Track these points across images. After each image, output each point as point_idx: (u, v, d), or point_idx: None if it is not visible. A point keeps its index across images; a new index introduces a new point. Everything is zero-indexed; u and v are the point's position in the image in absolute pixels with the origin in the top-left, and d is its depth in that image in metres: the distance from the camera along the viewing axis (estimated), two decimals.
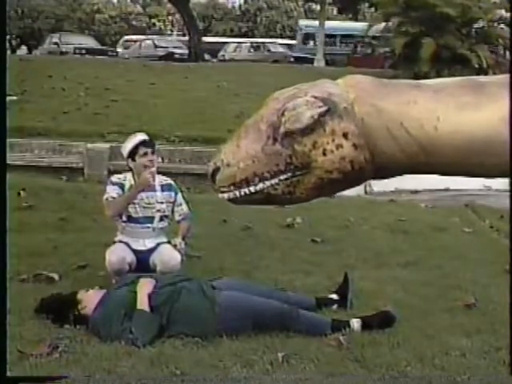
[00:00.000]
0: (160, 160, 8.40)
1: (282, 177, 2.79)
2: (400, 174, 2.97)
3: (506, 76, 2.84)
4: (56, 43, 27.02)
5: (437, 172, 2.93)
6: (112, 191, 4.18)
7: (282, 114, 2.76)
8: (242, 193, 2.82)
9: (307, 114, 2.69)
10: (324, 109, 2.70)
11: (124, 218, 4.22)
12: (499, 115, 2.64)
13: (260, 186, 2.81)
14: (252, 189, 2.81)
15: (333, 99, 2.74)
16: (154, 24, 39.81)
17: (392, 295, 4.11)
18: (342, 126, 2.71)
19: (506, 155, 2.63)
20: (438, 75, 14.14)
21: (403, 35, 18.48)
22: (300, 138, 2.73)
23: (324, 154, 2.71)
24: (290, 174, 2.79)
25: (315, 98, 2.75)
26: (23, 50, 35.51)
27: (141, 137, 4.23)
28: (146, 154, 4.16)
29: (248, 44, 30.39)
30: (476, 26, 20.07)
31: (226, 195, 2.87)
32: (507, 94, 2.66)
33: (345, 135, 2.70)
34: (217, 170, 2.86)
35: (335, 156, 2.71)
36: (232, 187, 2.83)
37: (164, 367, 3.02)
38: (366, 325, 3.49)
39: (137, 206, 4.19)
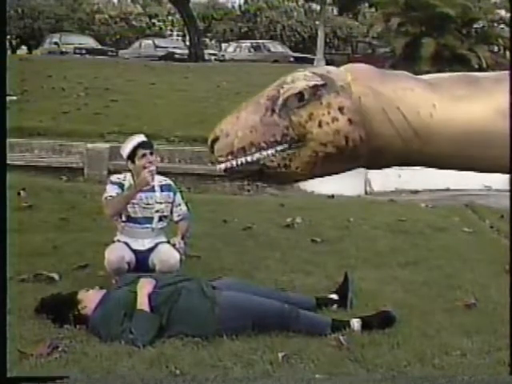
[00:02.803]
0: (159, 160, 8.40)
1: (278, 148, 2.85)
2: (395, 163, 3.00)
3: (503, 72, 2.86)
4: (56, 43, 27.03)
5: (432, 163, 2.96)
6: (111, 191, 4.18)
7: (282, 87, 2.83)
8: (239, 162, 2.86)
9: (303, 83, 2.78)
10: (321, 82, 2.78)
11: (123, 218, 4.22)
12: (494, 107, 2.69)
13: (256, 155, 2.84)
14: (249, 158, 2.85)
15: (330, 76, 2.84)
16: (153, 24, 39.76)
17: (392, 295, 4.11)
18: (338, 100, 2.78)
19: (504, 147, 2.65)
20: None
21: (403, 35, 18.52)
22: (297, 110, 2.80)
23: (320, 125, 2.78)
24: (286, 146, 2.85)
25: (313, 73, 2.83)
26: (23, 49, 35.48)
27: (139, 138, 4.23)
28: (144, 155, 4.16)
29: (248, 44, 30.39)
30: (476, 26, 20.11)
31: (223, 165, 2.90)
32: (502, 89, 2.69)
33: (340, 109, 2.77)
34: (216, 139, 2.90)
35: (330, 128, 2.78)
36: (229, 156, 2.87)
37: (164, 367, 3.02)
38: (366, 325, 3.49)
39: (136, 206, 4.19)
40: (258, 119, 2.82)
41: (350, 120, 2.77)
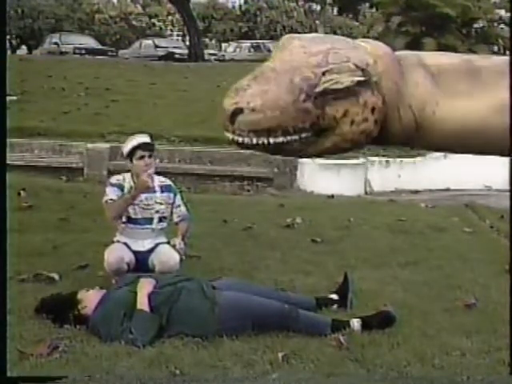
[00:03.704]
0: (159, 160, 8.40)
1: (303, 134, 2.65)
2: (392, 145, 3.04)
3: (505, 62, 2.84)
4: (56, 43, 27.04)
5: (427, 148, 2.99)
6: (112, 193, 4.18)
7: (323, 74, 2.63)
8: (260, 142, 2.63)
9: (349, 79, 2.65)
10: (363, 78, 2.68)
11: (123, 219, 4.22)
12: (490, 104, 2.67)
13: (280, 139, 2.64)
14: (272, 140, 2.64)
15: (368, 70, 2.71)
16: (153, 24, 39.80)
17: (392, 295, 4.11)
18: (372, 100, 2.68)
19: (504, 140, 2.66)
20: None
21: (404, 35, 18.54)
22: (333, 102, 2.62)
23: (351, 124, 2.67)
24: (310, 134, 2.75)
25: (356, 66, 2.72)
26: (23, 49, 35.52)
27: (140, 139, 4.23)
28: (142, 157, 4.17)
29: (248, 44, 30.42)
30: (476, 25, 20.14)
31: (240, 138, 2.65)
32: (503, 83, 2.68)
33: (373, 110, 2.67)
34: (239, 111, 2.63)
35: (358, 129, 2.67)
36: (251, 133, 2.63)
37: (164, 367, 3.02)
38: (366, 325, 3.49)
39: (136, 207, 4.19)
40: (291, 101, 2.59)
41: (376, 121, 2.69)
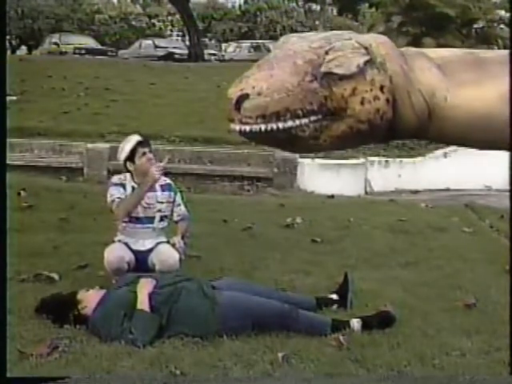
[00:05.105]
0: (159, 160, 8.39)
1: (312, 117, 2.63)
2: (406, 139, 3.02)
3: (507, 54, 2.85)
4: (56, 43, 27.03)
5: (439, 139, 2.97)
6: (117, 193, 4.16)
7: (326, 53, 2.64)
8: (269, 127, 2.59)
9: (354, 62, 2.60)
10: (368, 57, 2.65)
11: (125, 219, 4.22)
12: (498, 92, 2.67)
13: (289, 123, 2.61)
14: (281, 125, 2.60)
15: (372, 50, 2.69)
16: (153, 24, 39.76)
17: (392, 295, 4.11)
18: (380, 78, 2.66)
19: (505, 132, 2.66)
20: None
21: (404, 35, 18.54)
22: (339, 81, 2.62)
23: (362, 103, 2.63)
24: (320, 116, 2.64)
25: (359, 44, 2.69)
26: (23, 50, 35.49)
27: (137, 138, 4.24)
28: (144, 153, 4.18)
29: (248, 44, 30.41)
30: (476, 26, 20.15)
31: (248, 127, 2.62)
32: (507, 73, 2.69)
33: (381, 88, 2.66)
34: (245, 96, 2.62)
35: (371, 107, 2.65)
36: (259, 119, 2.59)
37: (164, 367, 3.02)
38: (366, 325, 3.49)
39: (138, 206, 4.18)
40: (296, 83, 2.58)
41: (387, 100, 2.68)
